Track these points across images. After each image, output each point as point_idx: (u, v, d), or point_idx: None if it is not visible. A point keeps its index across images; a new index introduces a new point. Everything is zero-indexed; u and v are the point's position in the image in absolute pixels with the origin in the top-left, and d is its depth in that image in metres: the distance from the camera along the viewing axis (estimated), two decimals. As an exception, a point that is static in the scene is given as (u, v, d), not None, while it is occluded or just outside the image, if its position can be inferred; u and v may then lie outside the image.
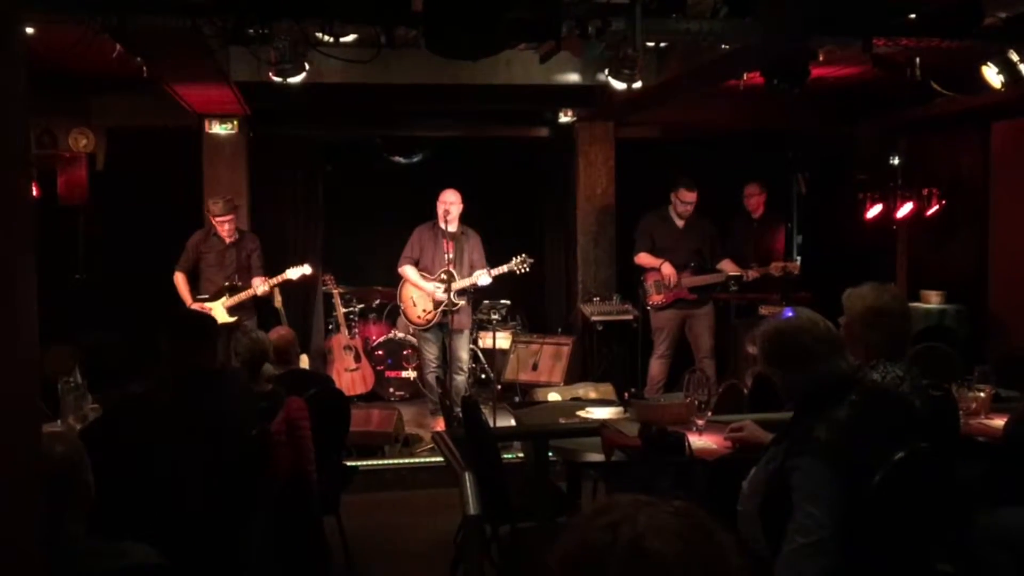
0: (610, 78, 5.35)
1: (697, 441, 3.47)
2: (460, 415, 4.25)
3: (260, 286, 6.68)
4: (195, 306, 6.70)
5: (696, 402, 3.68)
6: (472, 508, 2.93)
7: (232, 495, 3.20)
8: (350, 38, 4.47)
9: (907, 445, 2.76)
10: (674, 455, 3.34)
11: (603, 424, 3.88)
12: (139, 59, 4.86)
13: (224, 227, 6.76)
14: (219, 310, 6.67)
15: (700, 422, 3.59)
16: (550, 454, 4.22)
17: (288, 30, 4.22)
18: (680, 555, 0.98)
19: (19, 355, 1.78)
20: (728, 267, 7.14)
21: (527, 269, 6.78)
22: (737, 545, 1.09)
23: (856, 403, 2.74)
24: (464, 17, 3.54)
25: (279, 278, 6.75)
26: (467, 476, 2.99)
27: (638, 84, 5.36)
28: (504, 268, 6.72)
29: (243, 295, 6.69)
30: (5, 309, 1.73)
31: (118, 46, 4.68)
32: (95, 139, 7.43)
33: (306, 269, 6.78)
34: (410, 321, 6.94)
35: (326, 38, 4.39)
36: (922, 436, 2.94)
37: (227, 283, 6.78)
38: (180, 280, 6.81)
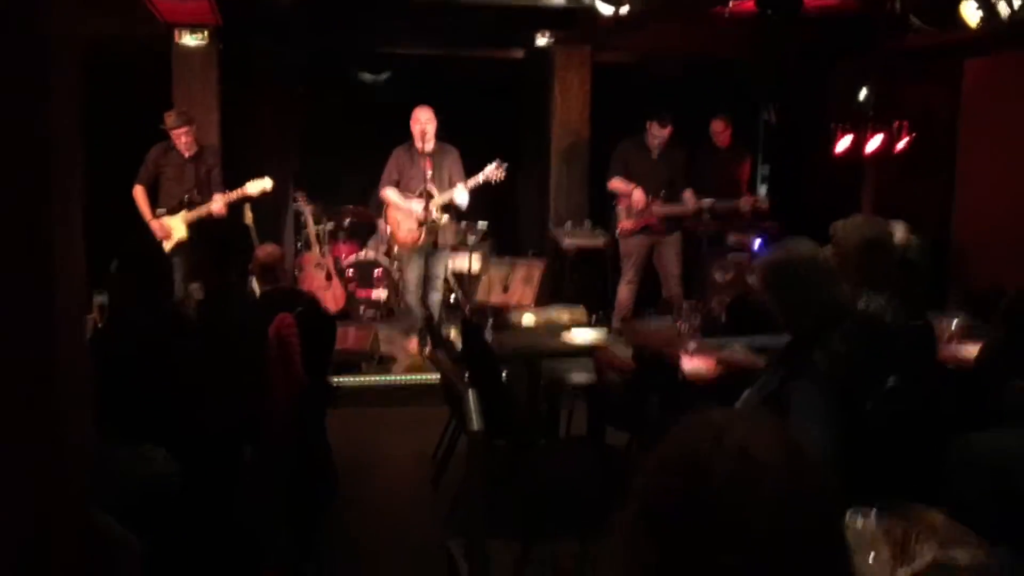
0: (597, 2, 5.32)
1: (688, 364, 3.59)
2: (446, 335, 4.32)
3: (219, 201, 6.57)
4: (154, 221, 6.61)
5: (686, 327, 3.78)
6: (476, 424, 3.01)
7: (236, 408, 3.25)
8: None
9: (897, 372, 2.91)
10: (667, 377, 3.45)
11: (595, 347, 3.97)
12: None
13: (180, 140, 6.61)
14: (177, 224, 6.59)
15: (691, 346, 3.70)
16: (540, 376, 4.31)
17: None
18: (783, 463, 1.05)
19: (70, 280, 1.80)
20: (689, 197, 7.22)
21: (502, 176, 6.69)
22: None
23: (850, 331, 2.87)
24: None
25: (237, 192, 6.62)
26: (471, 393, 3.06)
27: (625, 8, 5.34)
28: (480, 177, 6.64)
29: (201, 209, 6.58)
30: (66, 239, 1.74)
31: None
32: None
33: (266, 183, 6.64)
34: (397, 243, 6.89)
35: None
36: (908, 363, 3.10)
37: (186, 198, 6.67)
38: (139, 193, 6.68)
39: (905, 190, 7.92)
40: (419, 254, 6.77)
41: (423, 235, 6.62)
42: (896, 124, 7.54)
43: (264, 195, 6.76)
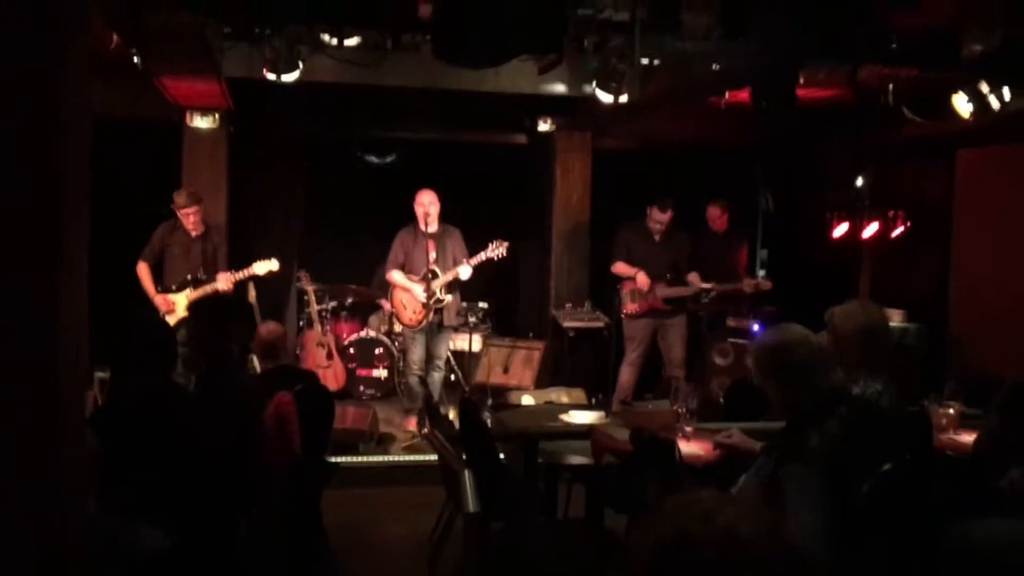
0: (597, 90, 5.47)
1: (686, 448, 3.60)
2: (445, 415, 4.34)
3: (224, 280, 6.65)
4: (158, 298, 6.67)
5: (684, 410, 3.80)
6: (471, 506, 3.01)
7: (232, 483, 3.26)
8: (354, 41, 4.53)
9: (892, 457, 2.92)
10: (665, 461, 3.45)
11: (593, 428, 3.98)
12: (135, 52, 4.85)
13: (189, 219, 6.71)
14: (181, 302, 6.65)
15: (688, 429, 3.71)
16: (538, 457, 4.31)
17: (292, 30, 4.27)
18: (767, 543, 1.08)
19: (71, 347, 1.84)
20: (694, 280, 7.31)
21: (504, 254, 6.78)
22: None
23: (846, 416, 2.89)
24: (473, 27, 3.63)
25: (245, 272, 6.70)
26: (467, 474, 3.06)
27: (624, 98, 5.50)
28: (482, 256, 6.74)
29: (207, 288, 6.65)
30: (69, 300, 1.79)
31: (115, 38, 4.68)
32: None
33: (272, 265, 6.74)
34: (403, 324, 6.94)
35: (331, 40, 4.43)
36: (903, 449, 3.11)
37: (191, 276, 6.74)
38: (143, 271, 6.74)
39: (901, 276, 8.02)
40: (422, 334, 6.83)
41: (428, 315, 6.69)
42: (891, 213, 7.68)
43: (270, 275, 6.85)
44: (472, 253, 6.79)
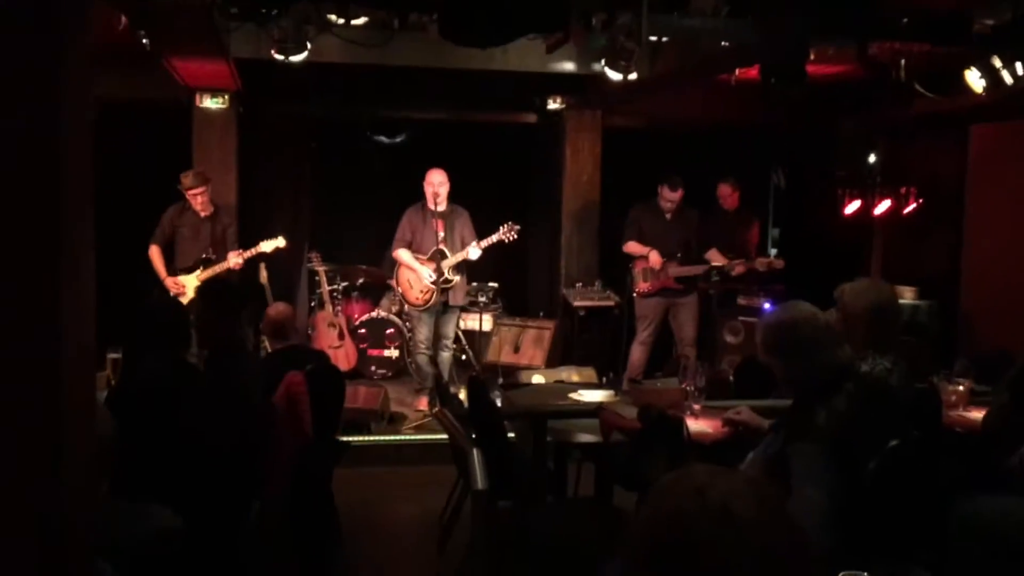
0: (606, 68, 5.45)
1: (694, 425, 3.61)
2: (455, 393, 4.36)
3: (234, 259, 6.68)
4: (168, 280, 6.71)
5: (692, 387, 3.81)
6: (480, 483, 3.04)
7: (244, 463, 3.29)
8: (361, 21, 4.53)
9: (900, 434, 2.92)
10: (673, 438, 3.47)
11: (601, 406, 4.00)
12: (143, 33, 4.86)
13: (196, 200, 6.73)
14: (192, 284, 6.69)
15: (696, 407, 3.72)
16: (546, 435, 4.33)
17: (300, 10, 4.27)
18: (761, 518, 1.09)
19: (81, 327, 1.85)
20: (714, 257, 7.29)
21: (515, 236, 6.79)
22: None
23: (853, 393, 2.89)
24: (480, 6, 3.62)
25: (252, 251, 6.73)
26: (475, 452, 3.08)
27: (633, 75, 5.48)
28: (493, 238, 6.76)
29: (217, 268, 6.68)
30: (73, 289, 1.80)
31: (124, 19, 4.69)
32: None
33: (280, 242, 6.77)
34: (409, 303, 6.96)
35: (338, 20, 4.43)
36: (911, 426, 3.11)
37: (202, 256, 6.77)
38: (155, 253, 6.79)
39: (913, 253, 7.98)
40: (430, 314, 6.84)
41: (435, 295, 6.70)
42: (903, 189, 7.63)
43: (278, 253, 6.87)
44: (481, 234, 6.79)
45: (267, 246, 6.73)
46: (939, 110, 6.85)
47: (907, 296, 7.54)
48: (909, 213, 7.75)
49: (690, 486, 1.11)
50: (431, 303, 6.75)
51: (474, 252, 6.71)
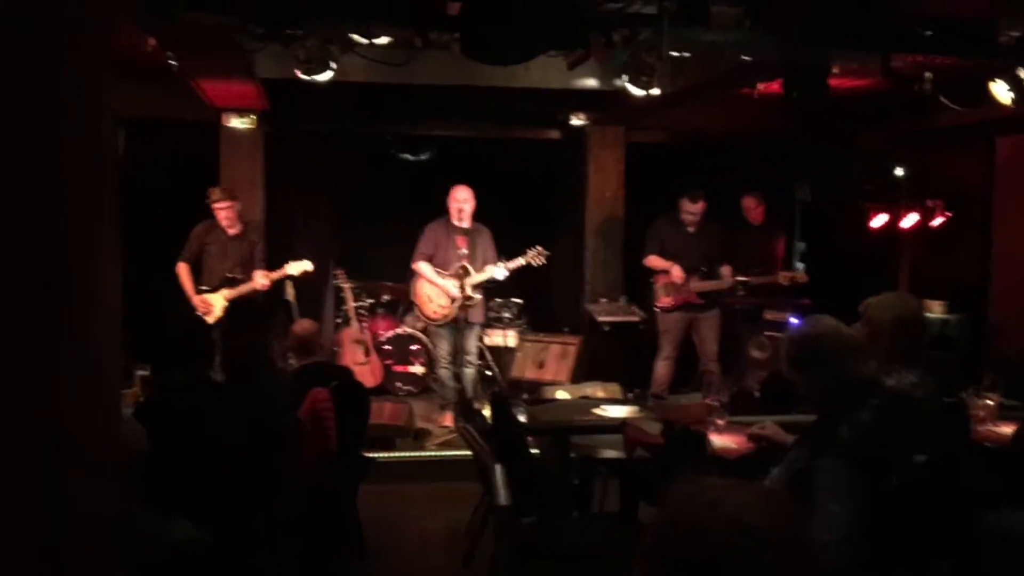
0: (628, 84, 5.45)
1: (717, 441, 3.59)
2: (478, 409, 4.37)
3: (260, 279, 6.73)
4: (196, 298, 6.76)
5: (716, 403, 3.79)
6: (503, 499, 3.04)
7: (267, 479, 3.31)
8: (383, 40, 4.58)
9: (925, 449, 2.89)
10: (696, 453, 3.45)
11: (625, 422, 3.99)
12: (170, 54, 4.94)
13: (221, 214, 6.76)
14: (219, 302, 6.74)
15: (720, 422, 3.70)
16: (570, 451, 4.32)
17: (322, 30, 4.32)
18: (773, 530, 1.09)
19: (106, 342, 1.89)
20: (726, 273, 7.26)
21: (543, 262, 6.83)
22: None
23: (878, 407, 2.87)
24: (501, 24, 3.64)
25: (279, 272, 6.77)
26: (498, 468, 3.09)
27: (656, 90, 5.47)
28: (521, 261, 6.79)
29: (243, 288, 6.71)
30: (97, 296, 1.83)
31: (151, 40, 4.77)
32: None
33: (307, 265, 6.80)
34: (425, 317, 7.00)
35: (361, 39, 4.47)
36: (937, 441, 3.08)
37: (228, 275, 6.82)
38: (183, 270, 6.82)
39: (941, 266, 7.90)
40: (448, 329, 6.88)
41: (452, 312, 6.74)
42: (930, 202, 7.57)
43: (305, 276, 6.92)
44: (505, 252, 6.83)
45: (294, 268, 6.77)
46: (965, 122, 6.79)
47: (936, 310, 7.47)
48: (937, 226, 7.68)
49: (703, 498, 1.11)
50: (447, 319, 6.78)
51: (500, 273, 6.75)
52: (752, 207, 7.79)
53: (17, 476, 1.68)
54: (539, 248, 6.83)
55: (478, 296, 6.83)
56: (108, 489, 1.94)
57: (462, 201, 6.75)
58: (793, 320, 7.45)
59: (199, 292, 6.79)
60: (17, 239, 1.63)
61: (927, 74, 5.57)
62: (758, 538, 1.07)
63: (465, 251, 6.72)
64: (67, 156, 1.72)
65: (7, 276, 1.63)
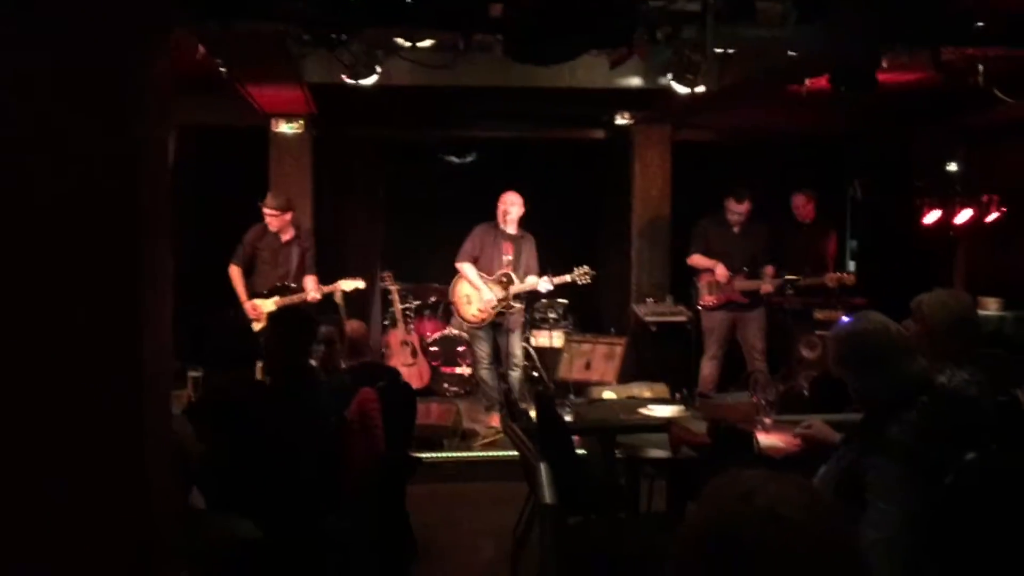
0: (673, 82, 5.43)
1: (764, 439, 3.56)
2: (524, 409, 4.38)
3: (312, 292, 6.75)
4: (247, 304, 6.84)
5: (763, 401, 3.76)
6: (548, 498, 3.04)
7: (317, 479, 3.36)
8: (427, 43, 4.62)
9: (978, 448, 2.84)
10: (743, 452, 3.43)
11: (671, 421, 3.97)
12: (220, 62, 5.03)
13: (270, 221, 6.81)
14: (270, 307, 6.81)
15: (767, 421, 3.67)
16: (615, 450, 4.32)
17: (367, 35, 4.37)
18: (809, 522, 1.08)
19: (158, 345, 1.93)
20: (769, 272, 7.18)
21: (588, 281, 6.90)
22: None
23: (928, 405, 2.82)
24: (543, 24, 3.66)
25: (331, 287, 6.81)
26: (543, 467, 3.09)
27: (701, 88, 5.44)
28: (567, 278, 6.86)
29: (294, 298, 6.74)
30: (151, 302, 1.88)
31: (201, 48, 4.87)
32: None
33: (359, 283, 6.86)
34: (463, 319, 7.05)
35: (405, 43, 4.52)
36: (991, 439, 3.02)
37: (280, 283, 6.86)
38: (236, 274, 6.86)
39: (997, 263, 7.72)
40: (486, 331, 6.95)
41: (491, 316, 6.79)
42: (985, 197, 7.41)
43: (356, 293, 6.97)
44: (550, 257, 6.86)
45: (347, 285, 6.81)
46: (1021, 115, 6.64)
47: (992, 307, 7.31)
48: (992, 222, 7.52)
49: (738, 490, 1.11)
50: (486, 322, 6.83)
51: (544, 286, 6.82)
52: (801, 205, 7.69)
53: (105, 474, 1.74)
54: (586, 268, 6.89)
55: (518, 304, 6.87)
56: (174, 483, 2.00)
57: (508, 204, 6.79)
58: (845, 319, 7.34)
59: (250, 297, 6.88)
60: (96, 256, 1.70)
61: (979, 67, 5.47)
62: (793, 530, 1.06)
63: (510, 257, 6.77)
64: (141, 168, 1.78)
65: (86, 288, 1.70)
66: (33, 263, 1.72)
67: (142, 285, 1.81)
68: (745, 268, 7.16)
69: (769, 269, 7.15)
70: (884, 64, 5.29)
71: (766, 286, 7.12)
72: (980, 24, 4.53)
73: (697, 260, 7.28)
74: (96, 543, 1.80)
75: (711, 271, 7.18)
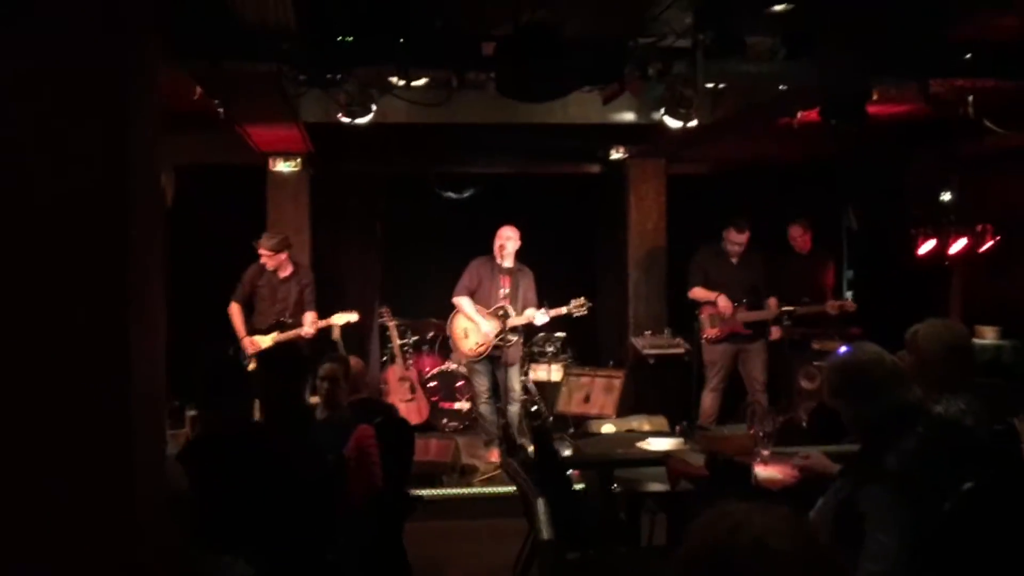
0: (666, 117, 5.48)
1: (762, 472, 3.55)
2: (522, 444, 4.37)
3: (307, 327, 6.81)
4: (246, 340, 6.86)
5: (760, 433, 3.76)
6: (546, 533, 3.03)
7: (314, 517, 3.34)
8: (421, 82, 4.68)
9: (974, 476, 2.84)
10: (741, 485, 3.42)
11: (668, 454, 3.97)
12: (217, 102, 5.08)
13: (265, 260, 6.88)
14: (267, 344, 6.83)
15: (765, 453, 3.67)
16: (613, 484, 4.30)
17: (363, 74, 4.42)
18: (796, 553, 1.09)
19: (152, 391, 1.94)
20: (772, 304, 7.20)
21: (585, 312, 6.93)
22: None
23: (923, 434, 2.83)
24: (535, 62, 3.70)
25: (326, 322, 6.88)
26: (541, 502, 3.09)
27: (693, 122, 5.49)
28: (563, 310, 6.89)
29: (291, 333, 6.81)
30: (145, 336, 1.89)
31: (198, 89, 4.92)
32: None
33: (352, 316, 6.94)
34: (462, 353, 7.06)
35: (399, 82, 4.57)
36: (987, 468, 3.02)
37: (278, 319, 6.90)
38: (235, 311, 6.93)
39: (993, 291, 7.74)
40: (484, 365, 6.95)
41: (488, 350, 6.80)
42: (979, 227, 7.45)
43: (349, 327, 7.01)
44: (548, 289, 6.89)
45: (340, 319, 6.90)
46: (1012, 145, 6.70)
47: (989, 336, 7.32)
48: (987, 251, 7.55)
49: (727, 523, 1.12)
50: (483, 356, 6.84)
51: (540, 318, 6.84)
52: (799, 235, 7.71)
53: (95, 510, 1.73)
54: (583, 299, 6.91)
55: (514, 337, 6.88)
56: (167, 525, 2.00)
57: (505, 238, 6.82)
58: (843, 350, 7.34)
59: (250, 333, 6.90)
60: (84, 292, 1.71)
61: (969, 98, 5.53)
62: (781, 561, 1.07)
63: (507, 291, 6.79)
64: (132, 206, 1.80)
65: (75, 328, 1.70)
66: (33, 263, 1.73)
67: (133, 278, 1.81)
68: (744, 299, 7.17)
69: (772, 300, 7.17)
70: (874, 96, 5.35)
71: (771, 315, 7.13)
72: (969, 56, 4.58)
73: (698, 293, 7.29)
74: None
75: (713, 303, 7.19)
